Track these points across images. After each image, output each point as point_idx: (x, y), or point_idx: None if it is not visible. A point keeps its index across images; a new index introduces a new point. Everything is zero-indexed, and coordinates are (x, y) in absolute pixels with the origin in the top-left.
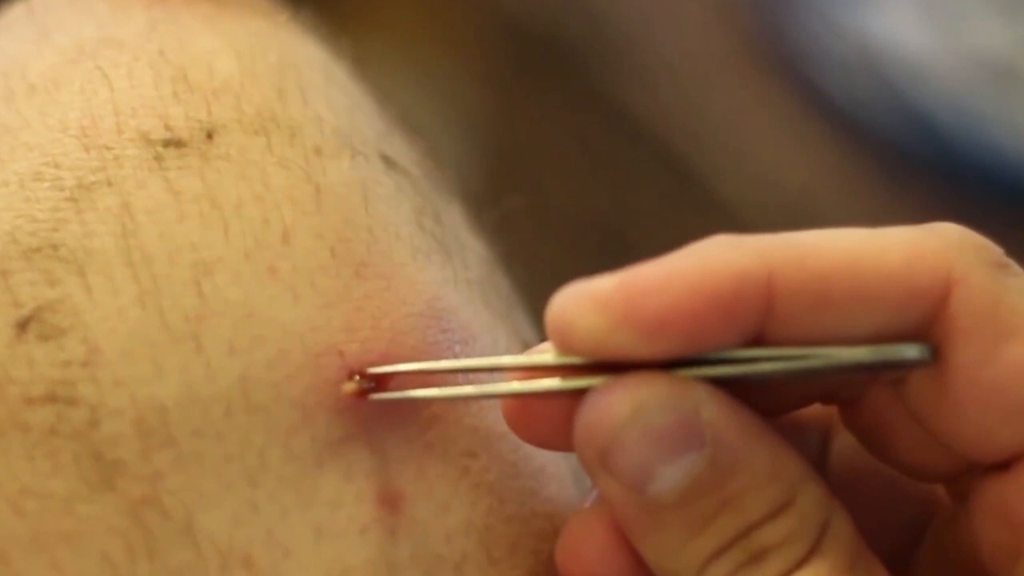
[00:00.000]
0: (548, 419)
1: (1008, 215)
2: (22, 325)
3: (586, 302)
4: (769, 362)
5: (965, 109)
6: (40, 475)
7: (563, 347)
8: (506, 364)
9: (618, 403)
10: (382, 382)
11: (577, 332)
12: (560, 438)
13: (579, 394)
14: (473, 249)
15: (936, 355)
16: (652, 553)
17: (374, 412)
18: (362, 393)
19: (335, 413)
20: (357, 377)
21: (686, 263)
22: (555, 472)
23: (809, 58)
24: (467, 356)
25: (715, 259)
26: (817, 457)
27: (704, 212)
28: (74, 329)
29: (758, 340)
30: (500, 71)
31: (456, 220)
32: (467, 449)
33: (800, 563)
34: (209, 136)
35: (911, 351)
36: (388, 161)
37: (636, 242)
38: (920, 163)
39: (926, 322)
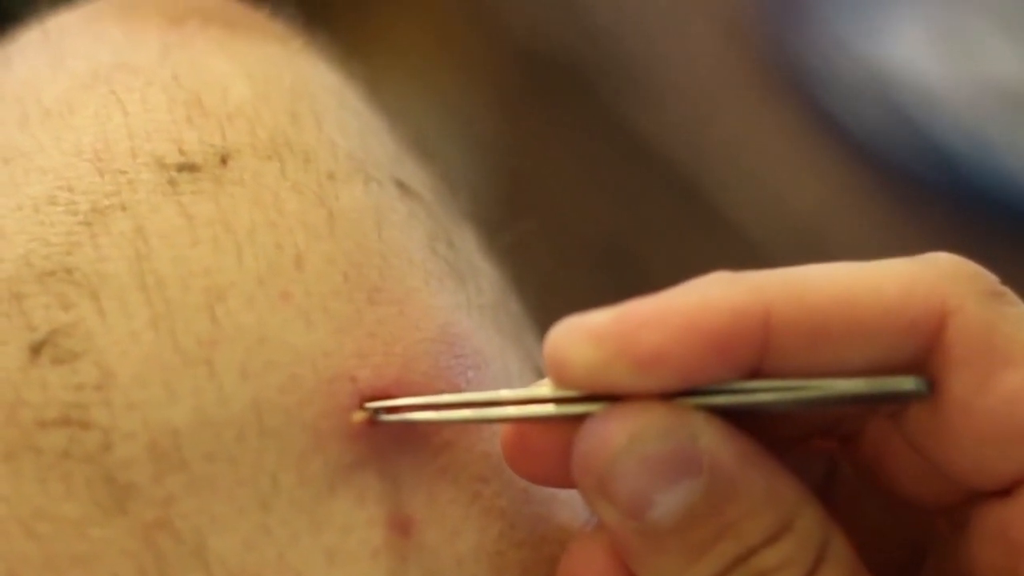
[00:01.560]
0: (545, 453)
1: (1019, 242)
2: (36, 349)
3: (582, 336)
4: (765, 392)
5: (976, 136)
6: (53, 498)
7: (559, 380)
8: (504, 398)
9: (615, 431)
10: (388, 410)
11: (573, 365)
12: (557, 473)
13: (575, 426)
14: (486, 273)
15: (932, 387)
16: (652, 571)
17: (386, 438)
18: (371, 421)
19: (347, 438)
20: (367, 405)
21: (683, 299)
22: (566, 498)
23: (820, 82)
24: (480, 381)
25: (712, 295)
26: (823, 482)
27: (714, 234)
28: (87, 353)
29: (756, 373)
30: (511, 94)
31: (469, 244)
32: (479, 475)
33: None
34: (223, 161)
35: (907, 383)
36: (401, 186)
37: (647, 263)
38: (931, 189)
39: (923, 353)
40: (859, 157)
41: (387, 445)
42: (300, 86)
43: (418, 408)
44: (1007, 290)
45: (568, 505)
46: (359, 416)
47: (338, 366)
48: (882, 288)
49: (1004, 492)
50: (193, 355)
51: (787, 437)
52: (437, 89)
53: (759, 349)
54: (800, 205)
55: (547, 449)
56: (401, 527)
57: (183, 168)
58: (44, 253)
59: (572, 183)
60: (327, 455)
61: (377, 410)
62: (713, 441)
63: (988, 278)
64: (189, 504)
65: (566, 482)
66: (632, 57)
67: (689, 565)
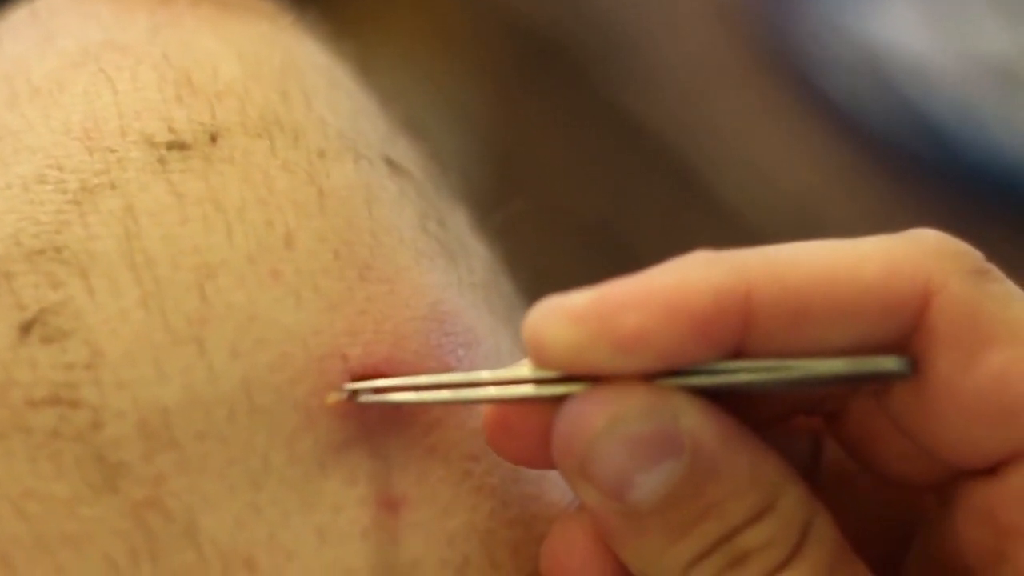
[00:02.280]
0: (526, 434)
1: (1010, 218)
2: (25, 328)
3: (561, 317)
4: (747, 373)
5: (968, 112)
6: (43, 477)
7: (539, 361)
8: (485, 379)
9: (595, 412)
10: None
11: (552, 346)
12: (538, 454)
13: (556, 407)
14: (477, 253)
15: (915, 366)
16: (634, 559)
17: (376, 416)
18: (349, 402)
19: (338, 417)
20: (345, 387)
21: (663, 280)
22: (557, 477)
23: (812, 61)
24: (471, 360)
25: (692, 276)
26: (809, 461)
27: (707, 215)
28: (77, 332)
29: (737, 353)
30: (503, 75)
31: (460, 224)
32: (469, 453)
33: (781, 566)
34: (213, 139)
35: (889, 363)
36: (392, 164)
37: (639, 245)
38: (923, 166)
39: (906, 333)
40: (852, 136)
41: (377, 424)
42: (290, 64)
43: (398, 389)
44: (992, 267)
45: (559, 484)
46: (333, 397)
47: (328, 344)
48: (863, 267)
49: (990, 471)
50: (183, 333)
51: (771, 415)
52: (429, 69)
53: (740, 330)
54: (793, 185)
55: (528, 430)
56: (391, 506)
57: (173, 146)
58: (33, 232)
59: (563, 164)
60: (317, 433)
61: (356, 391)
62: (695, 421)
63: (972, 255)
64: (179, 483)
65: (548, 463)
66: (624, 37)
67: (671, 545)
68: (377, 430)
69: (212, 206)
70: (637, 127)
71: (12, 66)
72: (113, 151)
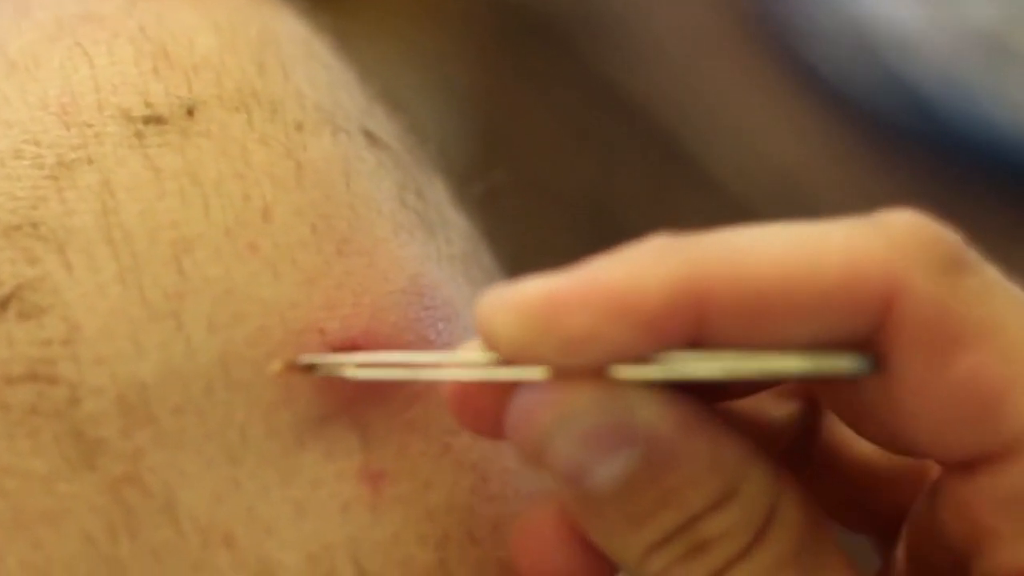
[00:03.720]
0: (486, 411)
1: (998, 189)
2: (2, 304)
3: (509, 310)
4: (703, 363)
5: (956, 83)
6: (20, 454)
7: (491, 348)
8: (443, 360)
9: (544, 407)
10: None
11: (500, 339)
12: (500, 430)
13: (513, 387)
14: (456, 225)
15: (880, 364)
16: (597, 538)
17: (356, 390)
18: (294, 369)
19: (316, 391)
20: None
21: (613, 275)
22: None
23: (800, 33)
24: (450, 332)
25: (643, 272)
26: (805, 422)
27: (694, 187)
28: (54, 307)
29: (694, 343)
30: (487, 46)
31: (439, 196)
32: (449, 427)
33: (742, 554)
34: (190, 113)
35: (849, 362)
36: (370, 137)
37: (625, 219)
38: (911, 137)
39: (871, 330)
40: (840, 108)
41: (356, 397)
42: (267, 36)
43: (355, 365)
44: (967, 256)
45: None
46: (275, 367)
47: (306, 318)
48: (824, 265)
49: (964, 467)
50: (160, 308)
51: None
52: (411, 40)
53: (693, 327)
54: (782, 158)
55: (488, 407)
56: (371, 480)
57: (149, 120)
58: (10, 207)
59: (550, 138)
60: (295, 408)
61: (309, 366)
62: (649, 412)
63: (943, 245)
64: (158, 458)
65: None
66: (611, 10)
67: (630, 532)
68: (356, 404)
69: (189, 180)
70: (624, 100)
71: None
72: (90, 126)
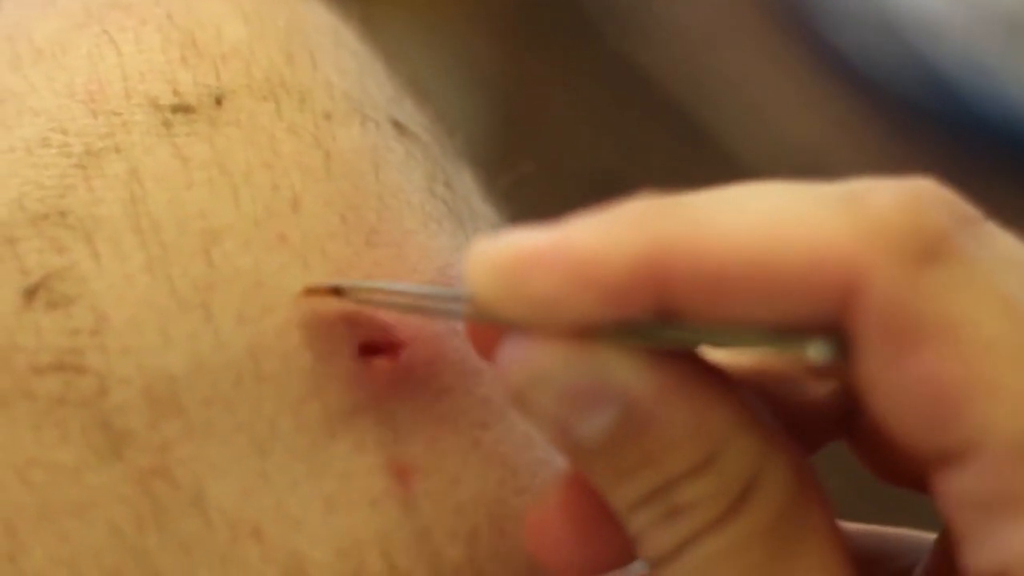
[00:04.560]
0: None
1: (1016, 168)
2: (30, 293)
3: (483, 264)
4: (674, 333)
5: (977, 63)
6: (47, 445)
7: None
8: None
9: (522, 364)
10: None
11: (476, 293)
12: None
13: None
14: (484, 215)
15: (843, 352)
16: (595, 486)
17: (386, 383)
18: (318, 292)
19: (346, 383)
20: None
21: (582, 240)
22: None
23: (821, 13)
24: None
25: (611, 240)
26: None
27: (715, 167)
28: (82, 297)
29: (662, 313)
30: (510, 30)
31: (467, 186)
32: (479, 421)
33: (715, 523)
34: (218, 102)
35: (810, 349)
36: (399, 127)
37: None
38: (931, 117)
39: (837, 318)
40: (859, 86)
41: (386, 391)
42: (295, 25)
43: (366, 292)
44: (945, 245)
45: None
46: (313, 289)
47: (336, 310)
48: (786, 247)
49: (932, 465)
50: (189, 299)
51: None
52: (434, 25)
53: (656, 300)
54: (803, 138)
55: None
56: (400, 474)
57: (178, 109)
58: (38, 196)
59: (571, 119)
60: (325, 400)
61: (335, 289)
62: (626, 373)
63: (921, 232)
64: (186, 450)
65: None
66: None
67: (615, 486)
68: (386, 397)
69: (218, 170)
70: (646, 81)
71: (14, 27)
72: (117, 114)
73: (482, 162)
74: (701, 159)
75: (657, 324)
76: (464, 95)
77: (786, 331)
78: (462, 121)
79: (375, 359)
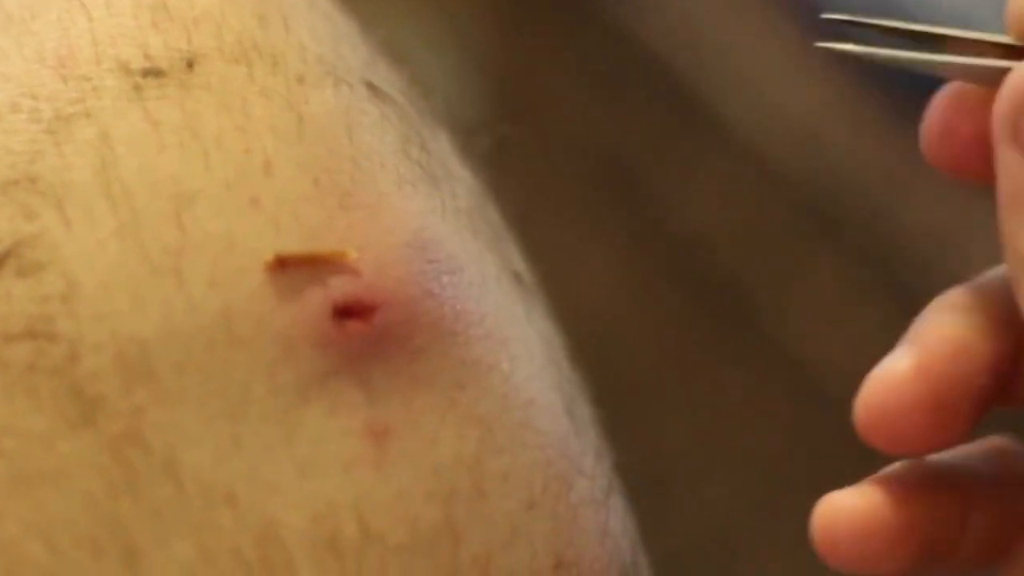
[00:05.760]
0: (966, 137)
1: None
2: (0, 260)
3: None
4: None
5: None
6: (19, 413)
7: None
8: (954, 35)
9: None
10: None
11: None
12: (972, 158)
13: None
14: (461, 178)
15: None
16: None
17: (359, 345)
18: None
19: (319, 346)
20: None
21: None
22: (546, 404)
23: None
24: (454, 286)
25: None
26: None
27: (711, 139)
28: (53, 264)
29: None
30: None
31: (443, 149)
32: (455, 381)
33: None
34: (189, 65)
35: None
36: (373, 89)
37: (642, 170)
38: (928, 87)
39: None
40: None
41: (360, 353)
42: None
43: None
44: None
45: (549, 411)
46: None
47: (308, 272)
48: None
49: None
50: (160, 264)
51: None
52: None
53: None
54: (798, 108)
55: (969, 132)
56: (376, 436)
57: (148, 73)
58: (8, 162)
59: (567, 90)
60: (299, 364)
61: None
62: None
63: None
64: (159, 416)
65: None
66: None
67: None
68: (360, 359)
69: (189, 134)
70: (640, 50)
71: None
72: (88, 79)
73: (473, 131)
74: (696, 130)
75: None
76: (458, 64)
77: None
78: (454, 90)
79: (349, 321)
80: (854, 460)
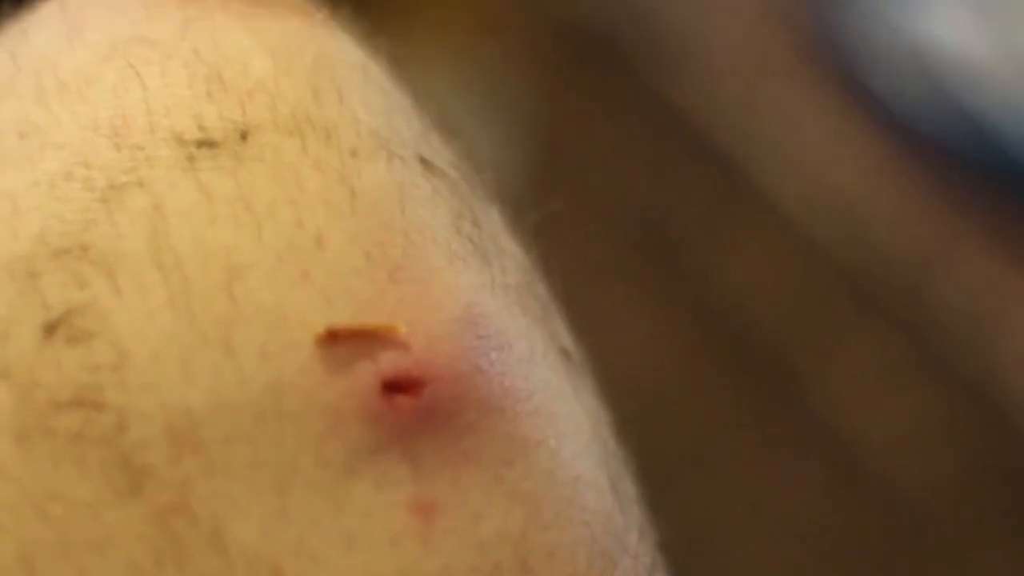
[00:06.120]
0: None
1: None
2: (51, 328)
3: None
4: None
5: (1016, 110)
6: (66, 481)
7: None
8: None
9: None
10: (414, 390)
11: None
12: None
13: None
14: (511, 254)
15: None
16: None
17: (408, 420)
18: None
19: (368, 420)
20: None
21: None
22: (592, 480)
23: (860, 57)
24: (503, 362)
25: None
26: None
27: (751, 210)
28: (103, 333)
29: None
30: (551, 70)
31: (495, 224)
32: (502, 457)
33: None
34: (243, 137)
35: None
36: (426, 163)
37: (682, 240)
38: (969, 163)
39: None
40: (899, 133)
41: (408, 427)
42: (323, 60)
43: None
44: None
45: (595, 487)
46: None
47: (358, 346)
48: None
49: None
50: (211, 335)
51: None
52: (473, 62)
53: None
54: (840, 183)
55: None
56: (423, 511)
57: (202, 144)
58: (60, 230)
59: (610, 160)
60: (347, 437)
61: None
62: None
63: None
64: (206, 487)
65: None
66: (672, 32)
67: None
68: (408, 434)
69: (242, 205)
70: (685, 123)
71: (40, 60)
72: (141, 148)
73: (518, 199)
74: (738, 201)
75: None
76: (504, 133)
77: None
78: (499, 159)
79: (397, 396)
80: (890, 532)
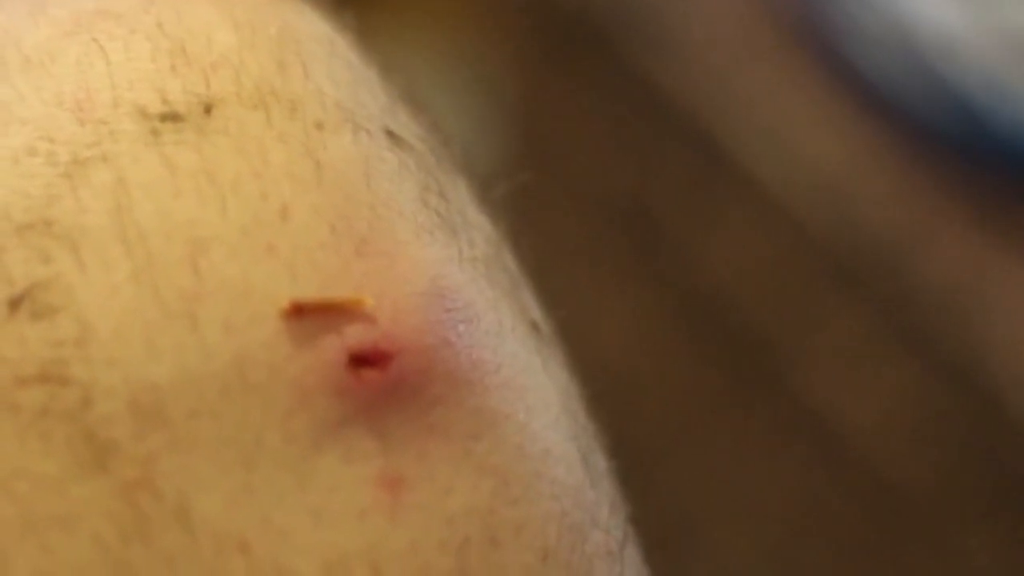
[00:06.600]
0: None
1: None
2: (14, 303)
3: None
4: None
5: (998, 87)
6: (31, 456)
7: None
8: None
9: None
10: (381, 363)
11: None
12: None
13: None
14: (479, 227)
15: None
16: None
17: (375, 394)
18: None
19: (334, 394)
20: None
21: None
22: (561, 454)
23: (842, 35)
24: (471, 335)
25: None
26: None
27: (732, 190)
28: (67, 307)
29: None
30: (526, 47)
31: (462, 197)
32: (470, 431)
33: None
34: (207, 110)
35: None
36: (392, 136)
37: (665, 220)
38: (952, 141)
39: None
40: (880, 110)
41: (375, 401)
42: (287, 34)
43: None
44: None
45: (564, 461)
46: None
47: (325, 319)
48: None
49: None
50: (175, 309)
51: None
52: (456, 47)
53: None
54: (822, 160)
55: None
56: (390, 485)
57: (166, 118)
58: (23, 206)
59: (591, 140)
60: (313, 411)
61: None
62: None
63: None
64: (171, 462)
65: None
66: (653, 12)
67: None
68: (375, 408)
69: (206, 179)
70: (663, 101)
71: (3, 36)
72: (105, 123)
73: (493, 178)
74: (719, 180)
75: None
76: (483, 115)
77: None
78: (480, 140)
79: (364, 370)
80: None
